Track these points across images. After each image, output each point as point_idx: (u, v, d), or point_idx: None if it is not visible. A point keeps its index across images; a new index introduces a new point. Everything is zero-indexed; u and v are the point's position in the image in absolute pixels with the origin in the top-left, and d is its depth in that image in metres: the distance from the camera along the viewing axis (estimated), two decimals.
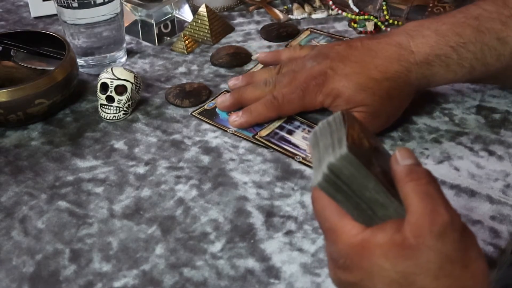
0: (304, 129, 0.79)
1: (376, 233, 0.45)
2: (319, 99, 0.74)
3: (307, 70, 0.75)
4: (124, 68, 0.83)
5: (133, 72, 0.83)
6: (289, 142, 0.77)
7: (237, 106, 0.80)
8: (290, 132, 0.78)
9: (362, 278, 0.46)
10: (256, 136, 0.78)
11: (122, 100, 0.82)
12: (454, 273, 0.44)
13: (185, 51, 0.99)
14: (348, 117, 0.49)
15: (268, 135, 0.78)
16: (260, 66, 0.94)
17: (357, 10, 1.05)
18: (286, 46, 1.00)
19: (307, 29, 1.04)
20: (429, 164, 0.73)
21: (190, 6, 1.07)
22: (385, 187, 0.46)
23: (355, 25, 1.05)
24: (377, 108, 0.71)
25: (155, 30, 1.00)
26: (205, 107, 0.85)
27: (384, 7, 1.02)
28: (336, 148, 0.45)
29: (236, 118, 0.78)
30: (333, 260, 0.50)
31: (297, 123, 0.80)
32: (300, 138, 0.77)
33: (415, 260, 0.43)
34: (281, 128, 0.79)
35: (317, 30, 1.04)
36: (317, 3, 1.11)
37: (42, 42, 0.90)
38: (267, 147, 0.76)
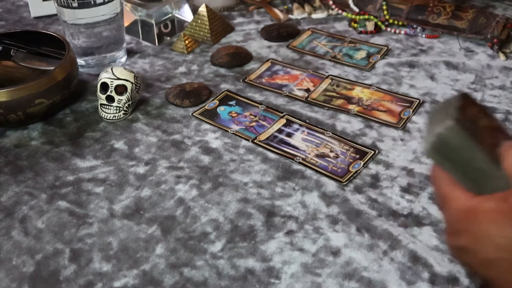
0: (303, 131, 0.79)
1: (484, 201, 0.47)
2: None
3: None
4: (124, 68, 0.83)
5: (133, 72, 0.83)
6: (289, 145, 0.77)
7: None
8: (289, 135, 0.78)
9: (469, 242, 0.48)
10: (255, 140, 0.78)
11: (122, 100, 0.81)
12: None
13: (185, 51, 0.99)
14: (468, 99, 0.50)
15: (267, 138, 0.78)
16: (263, 68, 0.94)
17: (357, 10, 1.05)
18: (287, 46, 1.00)
19: (308, 29, 1.04)
20: (429, 163, 0.73)
21: (190, 6, 1.06)
22: (495, 160, 0.47)
23: (355, 25, 1.04)
24: None
25: (155, 30, 1.00)
26: (206, 107, 0.85)
27: (384, 7, 1.02)
28: (445, 120, 0.47)
29: None
30: (446, 226, 0.51)
31: (296, 126, 0.80)
32: (299, 140, 0.77)
33: None
34: (280, 131, 0.79)
35: (318, 30, 1.04)
36: (317, 3, 1.11)
37: (42, 42, 0.90)
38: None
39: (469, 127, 0.47)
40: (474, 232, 0.47)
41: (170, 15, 1.03)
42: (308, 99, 0.86)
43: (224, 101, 0.86)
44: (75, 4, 0.87)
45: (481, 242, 0.47)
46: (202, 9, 1.02)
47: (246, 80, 0.91)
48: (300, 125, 0.80)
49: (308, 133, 0.79)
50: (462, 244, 0.49)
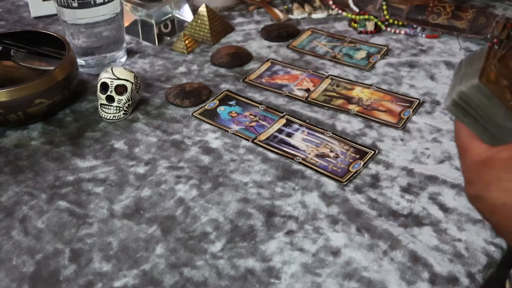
0: (303, 131, 0.79)
1: (500, 151, 0.48)
2: None
3: None
4: (124, 68, 0.83)
5: (133, 72, 0.83)
6: (289, 144, 0.77)
7: None
8: (289, 135, 0.78)
9: (481, 189, 0.49)
10: (255, 140, 0.78)
11: (122, 100, 0.81)
12: None
13: (185, 51, 0.99)
14: (494, 53, 0.51)
15: (267, 138, 0.78)
16: (263, 68, 0.94)
17: (357, 10, 1.05)
18: (287, 46, 1.00)
19: (308, 29, 1.04)
20: (429, 163, 0.73)
21: (190, 6, 1.06)
22: None
23: (355, 25, 1.04)
24: None
25: (155, 30, 1.00)
26: (206, 107, 0.85)
27: (384, 7, 1.02)
28: (469, 77, 0.48)
29: None
30: (464, 175, 0.52)
31: (296, 126, 0.80)
32: (299, 140, 0.77)
33: None
34: (280, 131, 0.79)
35: (318, 30, 1.04)
36: (317, 3, 1.11)
37: (42, 42, 0.90)
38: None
39: (492, 85, 0.48)
40: (485, 179, 0.49)
41: (170, 15, 1.03)
42: (308, 99, 0.86)
43: (224, 101, 0.86)
44: (75, 4, 0.86)
45: (492, 187, 0.48)
46: (202, 9, 1.02)
47: (246, 80, 0.91)
48: (300, 125, 0.80)
49: (308, 133, 0.79)
50: (475, 193, 0.50)
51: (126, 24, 1.00)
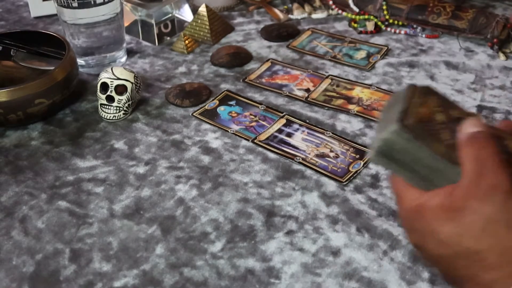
0: (303, 131, 0.79)
1: (431, 197, 0.47)
2: None
3: None
4: (124, 68, 0.83)
5: (133, 72, 0.83)
6: (289, 144, 0.77)
7: None
8: (289, 135, 0.78)
9: (418, 240, 0.48)
10: (255, 140, 0.78)
11: (122, 100, 0.81)
12: (498, 234, 0.45)
13: (185, 51, 0.99)
14: (425, 91, 0.50)
15: (267, 138, 0.78)
16: (263, 68, 0.94)
17: (357, 10, 1.05)
18: (287, 46, 1.00)
19: (308, 29, 1.04)
20: None
21: (190, 6, 1.06)
22: (449, 153, 0.47)
23: (355, 25, 1.04)
24: None
25: (155, 30, 1.00)
26: (206, 107, 0.85)
27: (384, 7, 1.02)
28: (390, 123, 0.47)
29: None
30: (402, 225, 0.52)
31: (296, 126, 0.80)
32: (299, 140, 0.77)
33: (459, 222, 0.45)
34: (280, 131, 0.79)
35: (318, 30, 1.04)
36: (317, 3, 1.11)
37: (42, 42, 0.90)
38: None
39: (417, 126, 0.46)
40: (420, 229, 0.47)
41: (170, 15, 1.03)
42: (308, 99, 0.86)
43: (224, 101, 0.86)
44: (75, 4, 0.87)
45: (426, 239, 0.47)
46: (202, 9, 1.02)
47: (246, 80, 0.91)
48: (300, 125, 0.80)
49: (308, 133, 0.79)
50: (413, 241, 0.49)
51: (126, 24, 1.00)
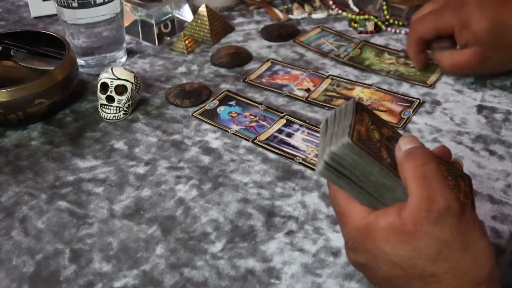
0: (303, 131, 0.79)
1: (379, 217, 0.47)
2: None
3: None
4: (124, 68, 0.83)
5: (133, 72, 0.83)
6: (289, 145, 0.77)
7: None
8: (290, 135, 0.78)
9: (368, 260, 0.48)
10: (255, 140, 0.78)
11: (122, 100, 0.81)
12: (453, 257, 0.45)
13: (185, 51, 0.99)
14: (361, 108, 0.50)
15: (267, 138, 0.78)
16: (263, 68, 0.94)
17: (357, 10, 1.05)
18: (293, 41, 1.00)
19: (318, 26, 1.04)
20: None
21: (190, 6, 1.06)
22: (393, 171, 0.47)
23: (355, 25, 1.04)
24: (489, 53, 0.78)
25: (155, 30, 1.00)
26: (206, 107, 0.85)
27: (384, 7, 1.02)
28: (339, 137, 0.46)
29: None
30: (345, 242, 0.51)
31: (296, 126, 0.80)
32: (299, 140, 0.77)
33: (414, 245, 0.45)
34: (280, 131, 0.79)
35: (328, 28, 1.04)
36: (317, 3, 1.11)
37: (42, 42, 0.90)
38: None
39: (364, 142, 0.46)
40: (370, 250, 0.47)
41: (170, 15, 1.03)
42: (309, 99, 0.86)
43: (224, 101, 0.86)
44: (75, 4, 0.86)
45: (378, 260, 0.47)
46: (202, 9, 1.02)
47: (246, 80, 0.91)
48: (300, 125, 0.80)
49: (308, 133, 0.79)
50: (362, 261, 0.49)
51: (126, 24, 1.00)
